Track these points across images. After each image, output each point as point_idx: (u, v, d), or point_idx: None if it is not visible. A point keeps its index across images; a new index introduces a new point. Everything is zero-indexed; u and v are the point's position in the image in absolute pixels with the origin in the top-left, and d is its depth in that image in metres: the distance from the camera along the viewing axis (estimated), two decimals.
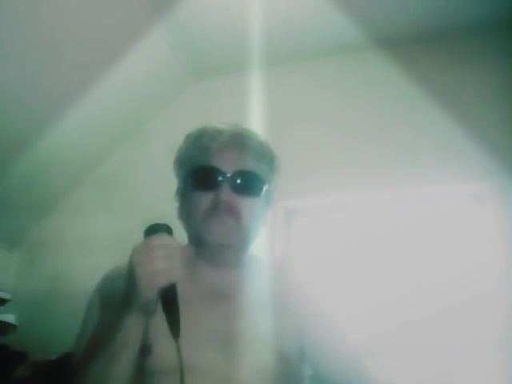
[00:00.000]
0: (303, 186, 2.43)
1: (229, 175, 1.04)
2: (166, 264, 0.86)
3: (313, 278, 1.16)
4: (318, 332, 1.07)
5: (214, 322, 1.01)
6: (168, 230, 0.91)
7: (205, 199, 1.04)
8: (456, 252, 2.34)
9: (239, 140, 1.08)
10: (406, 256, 2.40)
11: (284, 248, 2.50)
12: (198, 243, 1.07)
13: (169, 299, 0.87)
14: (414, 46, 2.53)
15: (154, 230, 0.90)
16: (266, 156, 1.12)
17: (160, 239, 0.89)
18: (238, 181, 1.04)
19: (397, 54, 2.53)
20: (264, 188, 1.09)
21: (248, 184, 1.06)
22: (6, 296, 2.65)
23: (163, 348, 0.92)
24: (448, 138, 2.36)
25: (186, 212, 1.09)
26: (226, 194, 1.03)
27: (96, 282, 1.08)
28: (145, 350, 0.94)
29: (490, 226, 2.26)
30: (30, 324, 2.56)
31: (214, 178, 1.04)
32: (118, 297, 0.91)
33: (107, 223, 2.68)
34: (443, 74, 2.48)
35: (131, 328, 0.89)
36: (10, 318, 2.58)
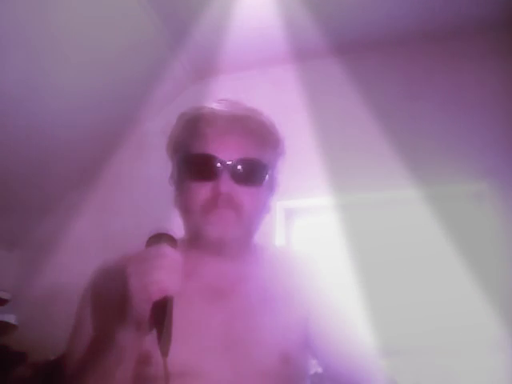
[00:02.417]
0: (303, 186, 2.43)
1: (229, 164, 0.94)
2: (161, 275, 0.79)
3: (316, 274, 1.08)
4: (324, 326, 1.01)
5: (216, 322, 0.96)
6: (170, 240, 0.85)
7: (203, 190, 0.95)
8: (456, 252, 2.33)
9: (239, 123, 0.98)
10: (405, 256, 2.40)
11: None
12: (197, 237, 0.99)
13: (161, 313, 0.79)
14: (415, 46, 2.53)
15: (155, 239, 0.85)
16: (270, 139, 1.02)
17: (158, 249, 0.82)
18: (239, 169, 0.95)
19: (397, 54, 2.53)
20: (267, 175, 1.00)
21: (250, 173, 0.96)
22: (6, 296, 2.65)
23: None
24: (448, 138, 2.36)
25: (183, 203, 1.00)
26: (225, 184, 0.93)
27: (88, 279, 1.02)
28: (146, 359, 0.89)
29: (489, 226, 2.26)
30: (30, 324, 2.56)
31: (213, 167, 0.94)
32: (110, 297, 0.86)
33: (106, 223, 2.68)
34: (443, 73, 2.48)
35: (126, 345, 0.84)
36: (10, 317, 2.58)
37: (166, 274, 0.80)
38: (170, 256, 0.82)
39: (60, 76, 2.28)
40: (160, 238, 0.85)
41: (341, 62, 2.65)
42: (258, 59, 2.64)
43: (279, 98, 2.57)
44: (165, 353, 0.78)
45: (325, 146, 2.55)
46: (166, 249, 0.83)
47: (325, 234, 2.56)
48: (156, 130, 2.80)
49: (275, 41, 2.52)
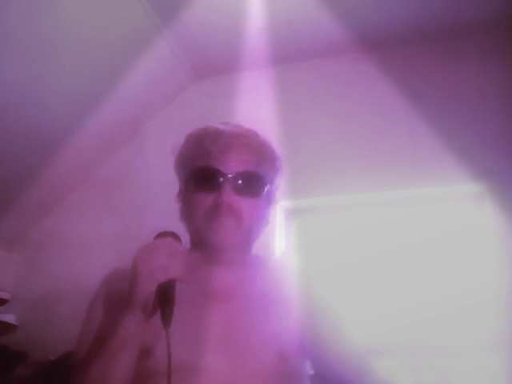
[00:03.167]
0: (303, 186, 2.43)
1: (230, 176, 1.04)
2: (166, 261, 0.89)
3: (313, 277, 1.16)
4: (319, 330, 1.06)
5: (215, 321, 1.00)
6: (174, 236, 0.96)
7: (206, 200, 1.04)
8: (456, 252, 2.34)
9: (240, 141, 1.08)
10: (405, 256, 2.40)
11: (284, 248, 2.50)
12: (200, 244, 1.08)
13: (165, 293, 0.89)
14: (414, 46, 2.53)
15: (161, 235, 0.95)
16: (268, 156, 1.11)
17: (163, 241, 0.94)
18: (239, 182, 1.04)
19: (396, 54, 2.53)
20: (265, 188, 1.09)
21: (249, 185, 1.06)
22: (6, 296, 2.65)
23: (164, 349, 0.90)
24: (448, 138, 2.36)
25: (188, 213, 1.10)
26: (227, 195, 1.03)
27: (99, 282, 1.08)
28: (146, 352, 0.94)
29: (489, 226, 2.26)
30: (30, 324, 2.56)
31: (215, 179, 1.04)
32: (121, 298, 0.92)
33: (107, 223, 2.68)
34: (443, 73, 2.48)
35: (130, 328, 0.90)
36: (10, 317, 2.59)
37: (171, 260, 0.90)
38: (174, 246, 0.93)
39: (60, 76, 2.28)
40: (165, 234, 0.96)
41: (340, 61, 2.65)
42: (258, 59, 2.64)
43: (279, 98, 2.57)
44: (167, 324, 0.88)
45: (325, 145, 2.55)
46: (171, 240, 0.94)
47: (325, 234, 2.56)
48: (156, 130, 2.80)
49: (275, 41, 2.52)
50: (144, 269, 0.89)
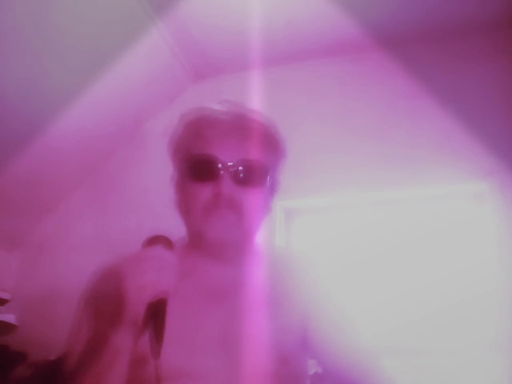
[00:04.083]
0: (303, 186, 2.43)
1: (230, 165, 0.93)
2: (155, 277, 0.80)
3: (316, 274, 1.08)
4: (324, 326, 1.01)
5: (213, 322, 0.95)
6: (166, 242, 0.87)
7: (204, 191, 0.94)
8: (456, 252, 2.34)
9: (241, 125, 0.97)
10: (405, 256, 2.40)
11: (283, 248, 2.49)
12: (197, 238, 0.99)
13: (155, 315, 0.81)
14: (414, 46, 2.53)
15: (151, 242, 0.86)
16: (271, 141, 1.01)
17: (153, 251, 0.84)
18: (240, 171, 0.94)
19: (397, 54, 2.53)
20: (269, 177, 1.00)
21: (251, 174, 0.95)
22: (6, 296, 2.65)
23: (163, 355, 0.84)
24: (448, 138, 2.36)
25: (184, 204, 1.00)
26: (226, 185, 0.93)
27: (88, 283, 1.02)
28: (142, 360, 0.88)
29: (489, 226, 2.26)
30: (30, 324, 2.56)
31: (214, 168, 0.93)
32: (109, 300, 0.86)
33: (107, 223, 2.68)
34: (443, 73, 2.48)
35: (120, 347, 0.84)
36: (10, 318, 2.58)
37: (161, 275, 0.81)
38: (165, 258, 0.83)
39: (60, 76, 2.28)
40: (156, 240, 0.86)
41: (340, 61, 2.65)
42: (258, 59, 2.64)
43: (279, 98, 2.57)
44: (156, 354, 0.80)
45: (325, 145, 2.55)
46: (161, 250, 0.84)
47: (325, 234, 2.56)
48: (156, 130, 2.80)
49: (275, 40, 2.52)
50: (132, 285, 0.80)
